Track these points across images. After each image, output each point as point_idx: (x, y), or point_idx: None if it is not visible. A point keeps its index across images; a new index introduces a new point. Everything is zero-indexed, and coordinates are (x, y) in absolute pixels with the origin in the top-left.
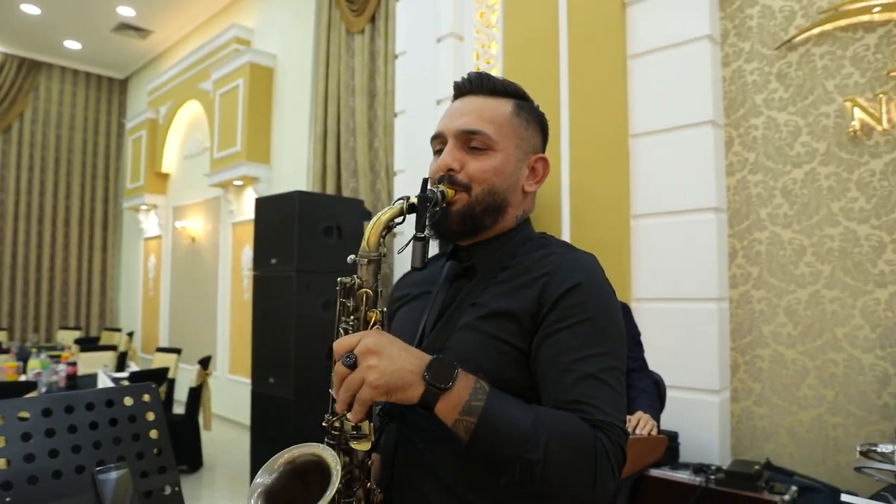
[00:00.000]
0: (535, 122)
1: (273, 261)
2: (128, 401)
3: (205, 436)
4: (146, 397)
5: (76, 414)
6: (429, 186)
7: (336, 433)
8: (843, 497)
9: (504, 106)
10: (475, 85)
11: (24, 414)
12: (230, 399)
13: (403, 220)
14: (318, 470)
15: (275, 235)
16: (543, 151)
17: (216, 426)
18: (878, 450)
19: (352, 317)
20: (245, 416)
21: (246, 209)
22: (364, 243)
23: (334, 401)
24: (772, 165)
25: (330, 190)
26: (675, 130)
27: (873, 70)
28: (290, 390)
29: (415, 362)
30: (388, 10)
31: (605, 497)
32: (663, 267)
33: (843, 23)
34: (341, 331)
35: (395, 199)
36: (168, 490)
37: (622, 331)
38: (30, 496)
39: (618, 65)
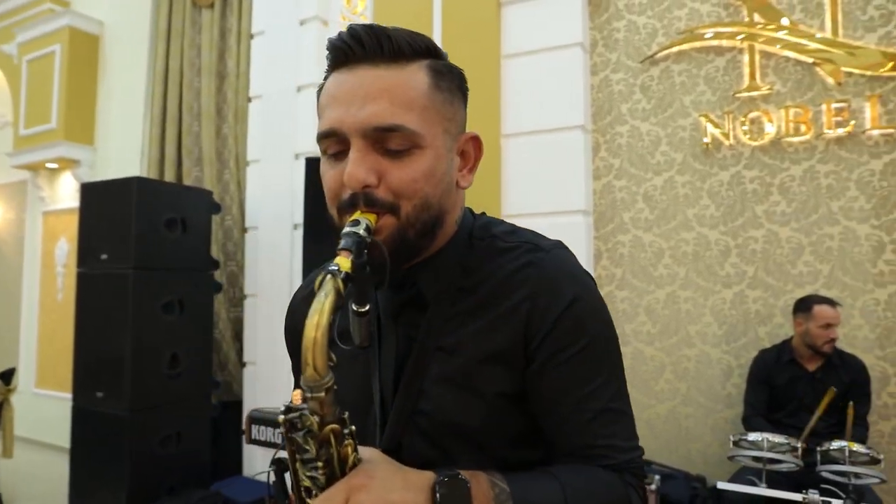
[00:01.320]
0: (458, 90)
1: (103, 256)
2: None
3: (1, 465)
4: None
5: None
6: (346, 227)
7: None
8: (719, 485)
9: (419, 76)
10: (370, 48)
11: None
12: (38, 418)
13: (344, 302)
14: None
15: (106, 227)
16: (465, 123)
17: (18, 451)
18: (749, 438)
19: (319, 463)
20: (58, 437)
21: (62, 196)
22: (310, 370)
23: None
24: (635, 172)
25: (169, 178)
26: (547, 133)
27: (722, 90)
28: (125, 405)
29: (421, 495)
30: None
31: None
32: None
33: (697, 45)
34: (305, 478)
35: (318, 274)
36: None
37: (617, 337)
38: None
39: (492, 64)
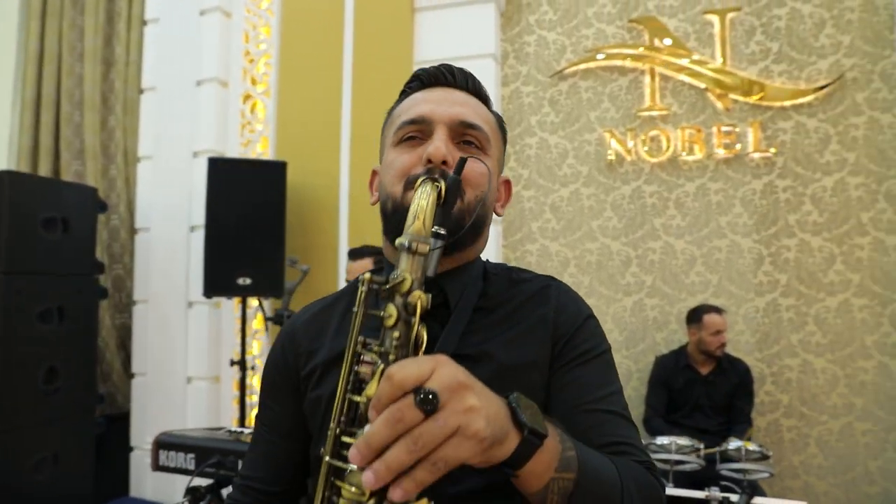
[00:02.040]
0: (505, 142)
1: None
2: None
3: None
4: None
5: None
6: (428, 173)
7: None
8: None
9: (488, 112)
10: (459, 80)
11: None
12: None
13: (439, 203)
14: None
15: None
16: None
17: None
18: (657, 442)
19: (395, 333)
20: None
21: None
22: (418, 223)
23: (336, 473)
24: (543, 183)
25: (44, 172)
26: None
27: (625, 108)
28: None
29: (503, 405)
30: None
31: None
32: None
33: (603, 64)
34: (374, 350)
35: (419, 177)
36: None
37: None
38: None
39: (405, 69)
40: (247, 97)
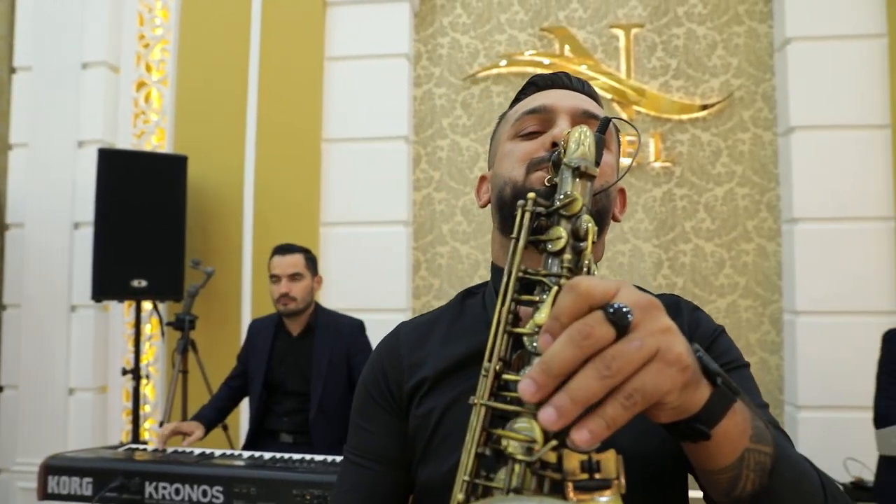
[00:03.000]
0: (619, 150)
1: None
2: None
3: None
4: None
5: None
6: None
7: (543, 472)
8: None
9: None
10: (575, 84)
11: None
12: None
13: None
14: None
15: None
16: None
17: None
18: None
19: (566, 256)
20: None
21: None
22: (583, 149)
23: (493, 422)
24: (454, 185)
25: None
26: (370, 141)
27: None
28: None
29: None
30: None
31: None
32: (352, 277)
33: (515, 69)
34: (544, 283)
35: (542, 160)
36: None
37: None
38: None
39: (315, 65)
40: (141, 85)
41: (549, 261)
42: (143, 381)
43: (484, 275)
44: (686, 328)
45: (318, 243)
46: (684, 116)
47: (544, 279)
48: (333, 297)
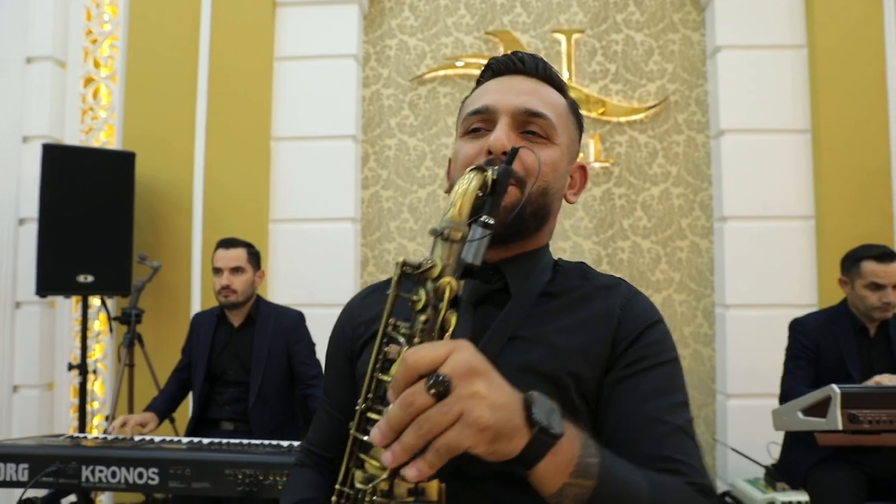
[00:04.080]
0: (579, 127)
1: None
2: None
3: None
4: None
5: None
6: (490, 161)
7: (379, 496)
8: None
9: (559, 97)
10: (529, 66)
11: None
12: None
13: (484, 191)
14: None
15: None
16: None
17: None
18: None
19: (422, 317)
20: None
21: None
22: (454, 210)
23: (361, 447)
24: (402, 183)
25: None
26: (319, 140)
27: None
28: None
29: (516, 395)
30: None
31: None
32: (300, 272)
33: (461, 71)
34: (397, 338)
35: (468, 169)
36: None
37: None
38: None
39: (265, 64)
40: (88, 80)
41: (413, 318)
42: (91, 377)
43: None
44: (618, 311)
45: (266, 239)
46: (622, 119)
47: (403, 337)
48: (282, 293)
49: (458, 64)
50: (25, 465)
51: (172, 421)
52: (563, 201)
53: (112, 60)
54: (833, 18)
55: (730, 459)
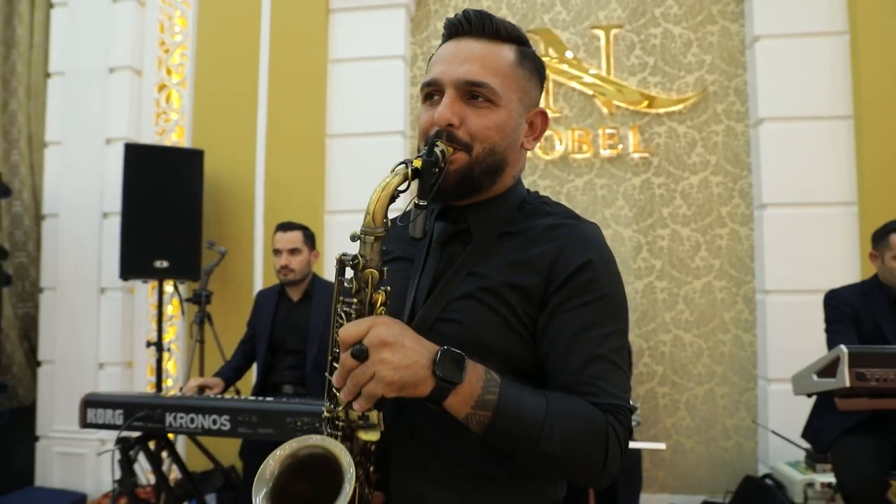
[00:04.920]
0: (536, 73)
1: None
2: None
3: None
4: None
5: None
6: (427, 143)
7: (340, 422)
8: None
9: (507, 53)
10: (476, 26)
11: None
12: None
13: (408, 187)
14: (326, 464)
15: None
16: (539, 102)
17: None
18: None
19: (354, 299)
20: None
21: None
22: (368, 217)
23: (334, 388)
24: None
25: None
26: (371, 136)
27: None
28: None
29: (425, 355)
30: None
31: (614, 474)
32: None
33: None
34: (342, 314)
35: (396, 164)
36: None
37: (627, 308)
38: None
39: (319, 67)
40: (162, 87)
41: (346, 303)
42: (165, 356)
43: None
44: (552, 252)
45: (322, 229)
46: (661, 110)
47: (343, 313)
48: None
49: None
50: (120, 411)
51: (238, 392)
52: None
53: (182, 68)
54: (875, 4)
55: (771, 443)
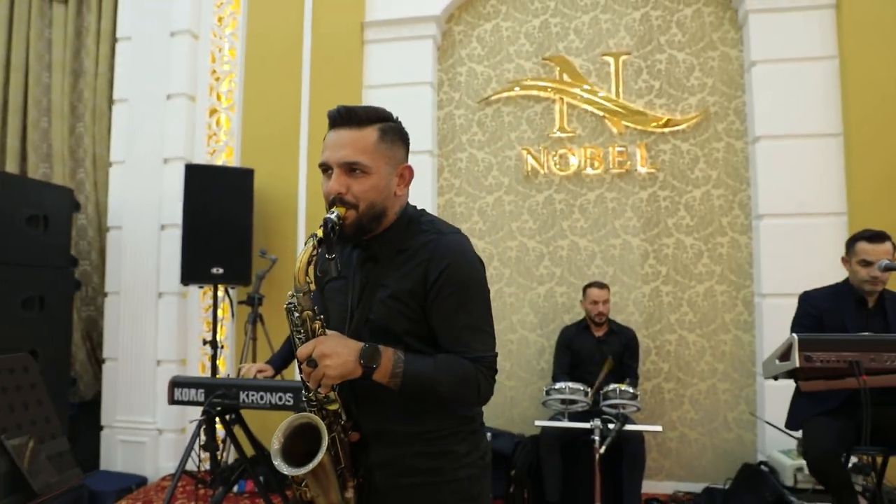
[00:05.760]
0: (398, 139)
1: None
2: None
3: None
4: (26, 368)
5: None
6: (326, 214)
7: (314, 402)
8: (536, 422)
9: (371, 134)
10: (344, 119)
11: None
12: None
13: (317, 252)
14: (310, 427)
15: None
16: (406, 159)
17: None
18: (555, 387)
19: (301, 329)
20: None
21: None
22: (295, 282)
23: (306, 384)
24: (471, 191)
25: (11, 171)
26: None
27: (539, 130)
28: None
29: (353, 353)
30: None
31: (487, 399)
32: None
33: (522, 93)
34: (297, 340)
35: (307, 239)
36: (60, 452)
37: (484, 286)
38: None
39: (355, 92)
40: (213, 111)
41: (296, 333)
42: (218, 352)
43: (497, 265)
44: (425, 262)
45: None
46: (666, 129)
47: (302, 336)
48: None
49: (517, 89)
50: (202, 390)
51: (282, 378)
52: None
53: (231, 94)
54: (861, 30)
55: (768, 433)
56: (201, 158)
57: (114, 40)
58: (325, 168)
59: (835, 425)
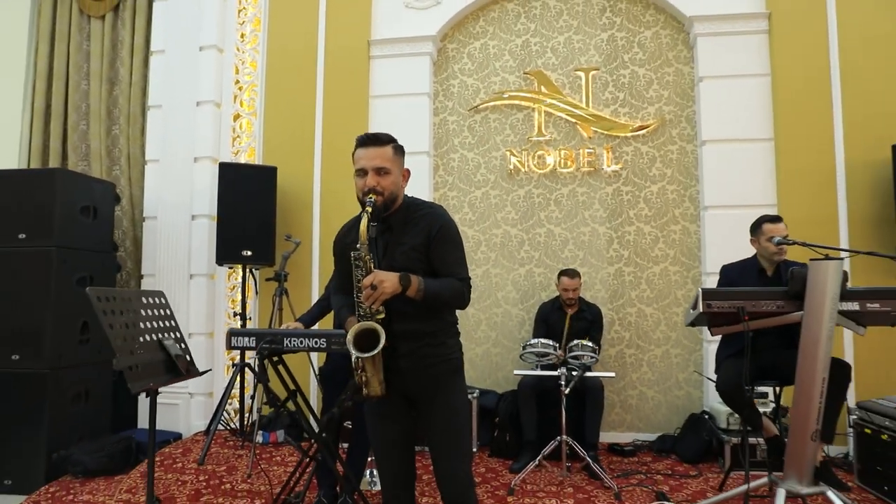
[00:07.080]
0: (402, 153)
1: (21, 236)
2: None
3: None
4: (162, 300)
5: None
6: (367, 198)
7: (368, 315)
8: (515, 372)
9: (389, 150)
10: (371, 140)
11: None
12: None
13: (370, 221)
14: (371, 331)
15: (23, 210)
16: (404, 165)
17: None
18: (531, 342)
19: (361, 268)
20: None
21: None
22: (361, 237)
23: (362, 307)
24: (463, 186)
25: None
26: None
27: (521, 134)
28: (45, 364)
29: (396, 278)
30: (137, 5)
31: (467, 304)
32: None
33: (506, 102)
34: (360, 274)
35: (360, 212)
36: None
37: (460, 238)
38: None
39: (362, 102)
40: (237, 116)
41: (358, 265)
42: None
43: (484, 250)
44: (427, 226)
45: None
46: (629, 134)
47: (362, 273)
48: None
49: (504, 96)
50: (252, 337)
51: None
52: (402, 187)
53: (253, 101)
54: (789, 52)
55: (711, 390)
56: (227, 158)
57: (145, 53)
58: (363, 172)
59: (738, 363)
